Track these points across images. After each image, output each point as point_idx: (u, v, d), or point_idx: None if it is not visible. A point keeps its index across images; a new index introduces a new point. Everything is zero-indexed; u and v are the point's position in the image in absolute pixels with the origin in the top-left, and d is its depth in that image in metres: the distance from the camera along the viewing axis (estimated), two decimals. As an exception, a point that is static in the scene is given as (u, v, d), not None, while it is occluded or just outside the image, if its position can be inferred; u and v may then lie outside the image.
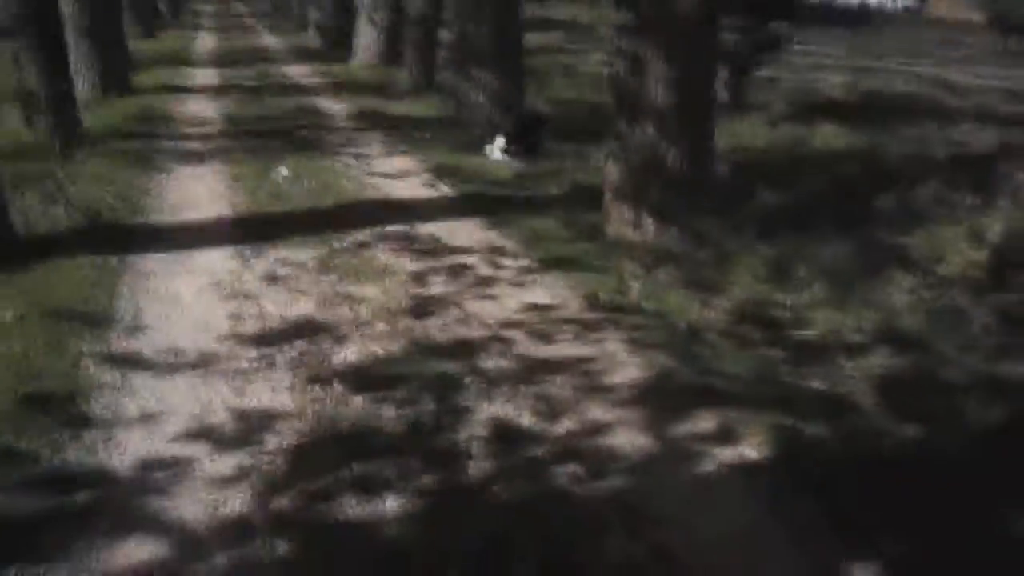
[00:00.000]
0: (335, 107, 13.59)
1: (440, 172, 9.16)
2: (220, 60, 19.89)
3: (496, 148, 9.90)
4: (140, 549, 3.27)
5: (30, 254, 6.22)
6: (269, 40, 26.66)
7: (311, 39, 24.05)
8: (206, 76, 16.82)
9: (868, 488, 3.69)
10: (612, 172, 7.32)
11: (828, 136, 10.95)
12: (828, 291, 6.05)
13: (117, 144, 9.82)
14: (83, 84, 11.94)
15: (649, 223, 7.08)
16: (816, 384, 4.78)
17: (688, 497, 3.71)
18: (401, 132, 11.33)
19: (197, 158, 9.64)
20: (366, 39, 17.96)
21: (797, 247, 6.73)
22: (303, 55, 21.38)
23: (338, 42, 20.47)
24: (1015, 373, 4.90)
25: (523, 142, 9.76)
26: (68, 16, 11.46)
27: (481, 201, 8.09)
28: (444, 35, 14.34)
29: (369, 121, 12.24)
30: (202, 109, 12.99)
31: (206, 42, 25.11)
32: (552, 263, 6.42)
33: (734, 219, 7.15)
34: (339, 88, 15.38)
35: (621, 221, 7.20)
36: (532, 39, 17.25)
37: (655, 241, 7.00)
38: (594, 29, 27.13)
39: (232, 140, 10.63)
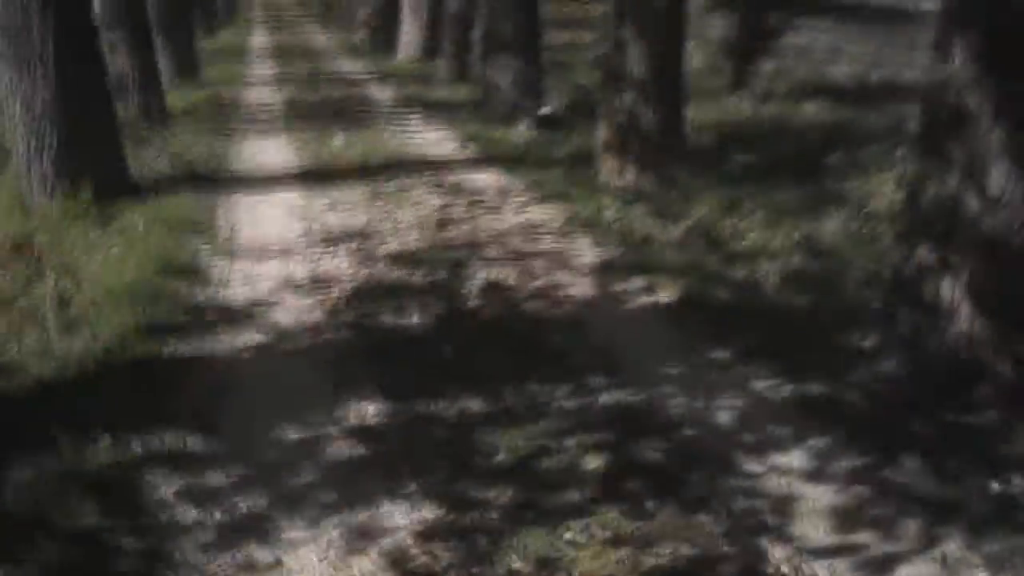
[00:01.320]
0: (381, 94, 15.74)
1: (467, 139, 11.24)
2: (275, 55, 22.21)
3: (521, 127, 11.96)
4: (254, 337, 5.35)
5: (146, 191, 8.36)
6: (319, 38, 28.98)
7: (359, 37, 26.25)
8: (263, 68, 19.11)
9: (737, 321, 5.60)
10: (602, 131, 9.34)
11: (809, 113, 12.85)
12: (767, 219, 7.97)
13: (196, 121, 11.98)
14: (163, 74, 14.12)
15: (630, 171, 9.07)
16: (732, 273, 6.71)
17: (614, 317, 5.74)
18: (437, 112, 13.42)
19: (265, 131, 11.81)
20: (409, 36, 20.12)
21: (750, 190, 8.67)
22: (352, 51, 23.63)
23: (384, 39, 22.64)
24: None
25: (542, 124, 11.85)
26: (150, 16, 13.67)
27: (499, 159, 10.12)
28: (476, 33, 16.38)
29: (410, 104, 14.36)
30: (263, 95, 15.21)
31: (261, 39, 27.48)
32: (548, 198, 8.44)
33: (702, 170, 9.12)
34: (384, 78, 17.53)
35: (608, 170, 9.20)
36: (563, 36, 19.30)
37: (635, 185, 8.99)
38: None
39: (292, 118, 12.80)
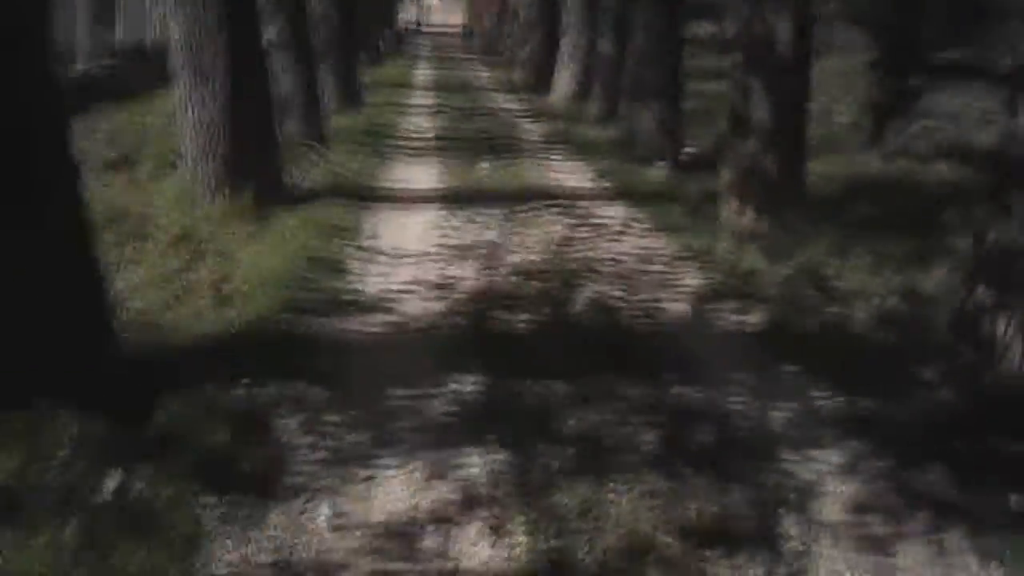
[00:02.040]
0: (531, 128, 16.69)
1: (604, 174, 12.03)
2: (435, 87, 23.49)
3: (659, 166, 12.71)
4: (382, 319, 6.21)
5: (300, 198, 9.37)
6: (480, 73, 30.27)
7: (518, 75, 27.38)
8: (423, 99, 20.34)
9: (815, 347, 6.17)
10: (725, 174, 10.01)
11: (939, 172, 13.26)
12: (872, 265, 8.52)
13: (352, 142, 13.07)
14: (326, 99, 15.33)
15: (749, 212, 9.70)
16: (825, 308, 7.30)
17: (699, 332, 6.42)
18: (581, 149, 14.26)
19: (416, 156, 12.85)
20: (564, 76, 21.09)
21: (862, 239, 9.21)
22: (509, 88, 24.75)
23: (542, 78, 23.68)
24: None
25: (678, 167, 12.60)
26: (316, 43, 14.89)
27: (630, 195, 10.87)
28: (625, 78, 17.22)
29: (556, 139, 15.26)
30: (419, 123, 16.34)
31: (424, 72, 28.90)
32: (667, 230, 9.15)
33: (820, 217, 9.69)
34: (537, 115, 18.51)
35: (729, 210, 9.85)
36: (711, 86, 19.94)
37: (752, 226, 9.62)
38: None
39: (444, 145, 13.81)
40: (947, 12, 15.66)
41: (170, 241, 7.80)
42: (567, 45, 21.09)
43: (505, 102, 21.07)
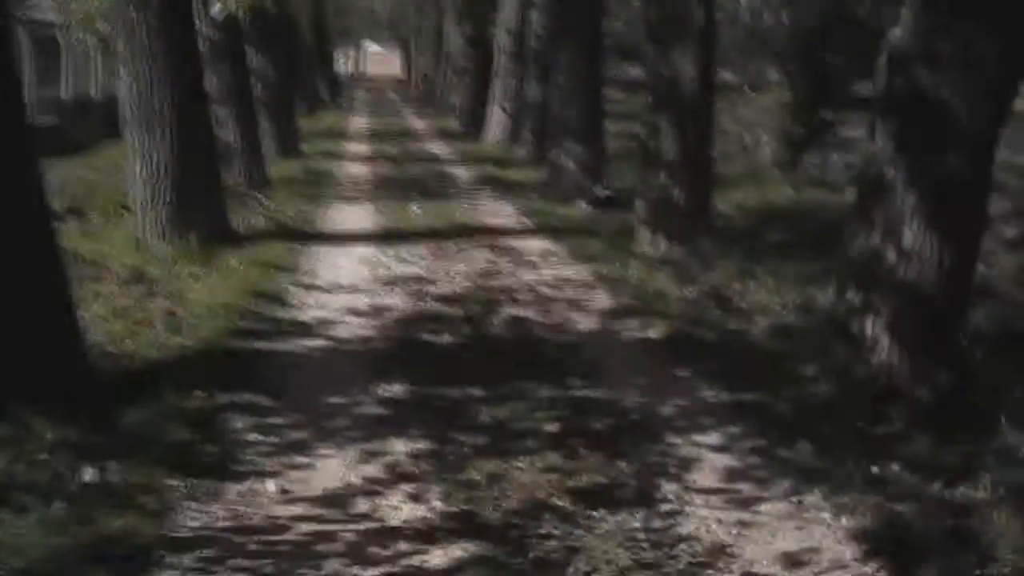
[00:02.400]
0: (462, 172, 17.55)
1: (527, 213, 12.88)
2: (370, 136, 24.37)
3: (581, 205, 13.56)
4: (319, 342, 6.94)
5: (243, 241, 10.09)
6: (414, 122, 31.20)
7: (452, 122, 28.30)
8: (358, 147, 21.19)
9: (710, 354, 6.96)
10: (639, 206, 10.87)
11: (847, 199, 14.20)
12: (774, 285, 9.36)
13: (291, 188, 13.82)
14: (264, 148, 16.07)
15: (661, 241, 10.56)
16: (726, 324, 8.12)
17: (605, 344, 7.22)
18: (508, 190, 15.13)
19: (351, 199, 13.65)
20: (495, 122, 22.05)
21: (769, 263, 10.06)
22: (442, 134, 25.66)
23: (474, 124, 24.61)
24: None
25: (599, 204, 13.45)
26: (256, 94, 15.65)
27: (550, 229, 11.71)
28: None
29: (486, 182, 16.12)
30: (355, 170, 17.18)
31: (359, 121, 29.79)
32: (584, 259, 9.98)
33: (730, 244, 10.55)
34: (468, 159, 19.39)
35: (643, 240, 10.71)
36: (633, 126, 20.95)
37: (664, 254, 10.47)
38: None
39: (378, 190, 14.62)
40: (850, 48, 16.69)
41: (123, 281, 8.45)
42: (497, 90, 22.06)
43: (438, 148, 21.96)
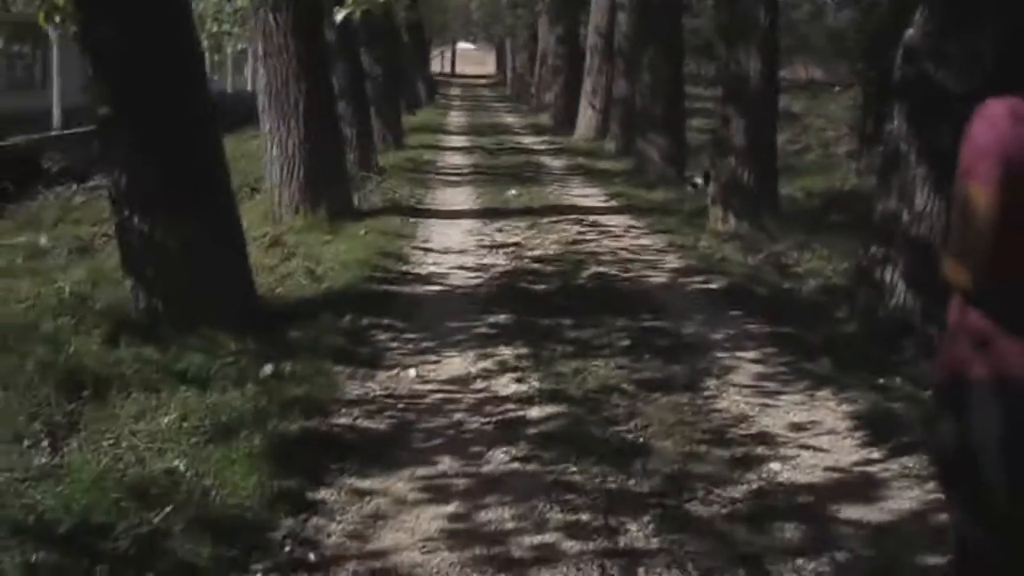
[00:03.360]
0: (554, 163, 19.21)
1: (613, 196, 14.47)
2: (467, 130, 26.25)
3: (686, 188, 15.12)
4: (437, 287, 8.62)
5: (364, 215, 11.83)
6: (508, 118, 33.01)
7: (544, 118, 29.98)
8: (457, 140, 22.99)
9: (762, 303, 8.45)
10: (712, 187, 12.39)
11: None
12: (829, 256, 10.81)
13: (400, 174, 15.60)
14: (376, 138, 17.89)
15: (731, 219, 12.06)
16: (778, 282, 9.61)
17: (673, 292, 8.78)
18: (597, 177, 16.75)
19: (454, 183, 15.36)
20: (585, 118, 23.69)
21: (827, 239, 11.50)
22: (535, 130, 27.38)
23: (566, 120, 26.27)
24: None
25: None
26: (369, 93, 17.49)
27: (634, 209, 13.29)
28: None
29: (576, 171, 17.76)
30: (455, 159, 18.93)
31: (456, 117, 31.68)
32: (661, 232, 11.54)
33: (794, 223, 12.01)
34: (560, 151, 21.05)
35: (715, 218, 12.21)
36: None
37: (733, 229, 11.97)
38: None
39: (478, 176, 16.34)
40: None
41: (265, 246, 10.19)
42: (587, 88, 23.69)
43: (531, 142, 23.65)
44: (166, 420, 5.03)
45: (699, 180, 14.86)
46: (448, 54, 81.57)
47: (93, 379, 5.47)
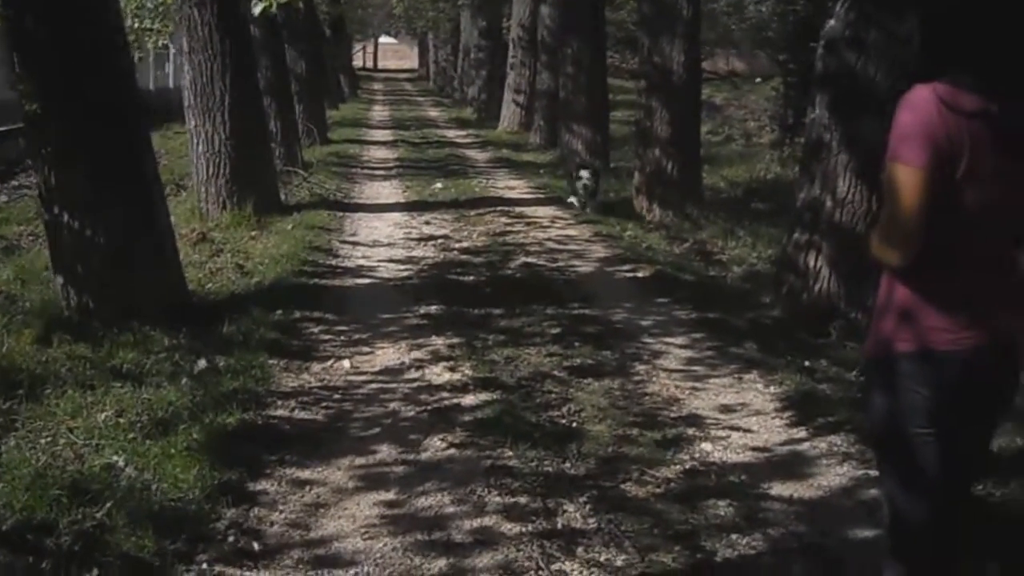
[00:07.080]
0: (478, 155, 19.26)
1: (538, 188, 14.56)
2: (391, 124, 26.18)
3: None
4: (367, 280, 8.64)
5: (290, 210, 11.80)
6: (432, 112, 32.98)
7: (468, 112, 30.01)
8: (381, 134, 22.93)
9: (687, 290, 8.59)
10: (636, 178, 12.54)
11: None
12: (752, 243, 11.03)
13: (325, 168, 15.56)
14: (301, 133, 17.80)
15: (655, 208, 12.22)
16: (704, 270, 9.79)
17: (600, 281, 8.89)
18: (521, 169, 16.84)
19: (381, 177, 15.36)
20: (509, 110, 23.77)
21: (750, 226, 11.72)
22: (459, 123, 27.39)
23: (489, 113, 26.32)
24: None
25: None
26: (294, 88, 17.41)
27: (558, 200, 13.38)
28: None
29: (501, 163, 17.82)
30: (381, 154, 18.90)
31: (380, 112, 31.60)
32: (586, 222, 11.65)
33: (717, 211, 12.21)
34: (484, 144, 21.11)
35: (639, 207, 12.37)
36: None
37: (658, 218, 12.13)
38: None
39: (404, 170, 16.34)
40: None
41: (192, 242, 10.13)
42: (511, 81, 23.77)
43: (456, 136, 23.66)
44: (102, 416, 5.03)
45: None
46: (370, 48, 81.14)
47: (27, 378, 5.45)
